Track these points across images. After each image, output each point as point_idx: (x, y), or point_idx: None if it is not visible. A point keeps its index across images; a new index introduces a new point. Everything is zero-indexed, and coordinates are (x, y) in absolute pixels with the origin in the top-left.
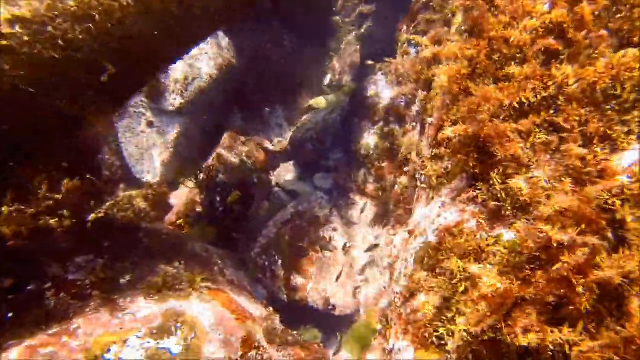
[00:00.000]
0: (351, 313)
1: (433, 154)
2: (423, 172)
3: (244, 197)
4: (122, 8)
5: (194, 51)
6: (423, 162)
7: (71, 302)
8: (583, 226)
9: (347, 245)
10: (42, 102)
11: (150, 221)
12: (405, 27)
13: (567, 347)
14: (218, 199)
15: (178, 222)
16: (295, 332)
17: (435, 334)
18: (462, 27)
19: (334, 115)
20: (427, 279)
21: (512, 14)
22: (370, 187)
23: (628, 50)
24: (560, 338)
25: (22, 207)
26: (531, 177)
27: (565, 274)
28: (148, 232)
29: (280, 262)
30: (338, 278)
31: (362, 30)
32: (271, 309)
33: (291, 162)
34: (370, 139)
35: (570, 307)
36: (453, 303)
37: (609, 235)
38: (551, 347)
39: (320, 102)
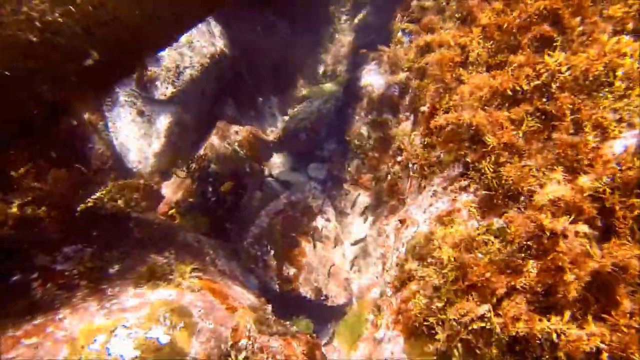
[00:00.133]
0: (343, 303)
1: (425, 142)
2: (415, 161)
3: (236, 187)
4: None
5: (185, 39)
6: (415, 151)
7: (57, 293)
8: (573, 215)
9: (340, 235)
10: (22, 88)
11: (141, 211)
12: (399, 16)
13: (554, 335)
14: (210, 188)
15: (170, 212)
16: (287, 322)
17: (425, 323)
18: (456, 15)
19: (328, 105)
20: (418, 269)
21: (506, 0)
22: (364, 177)
23: (621, 37)
24: (548, 327)
25: (7, 197)
26: (523, 166)
27: (560, 264)
28: (139, 222)
29: (272, 252)
30: (330, 269)
31: (357, 20)
32: (263, 299)
33: (285, 152)
34: (363, 129)
35: (559, 296)
36: (443, 292)
37: (598, 223)
38: (539, 335)
39: (314, 91)
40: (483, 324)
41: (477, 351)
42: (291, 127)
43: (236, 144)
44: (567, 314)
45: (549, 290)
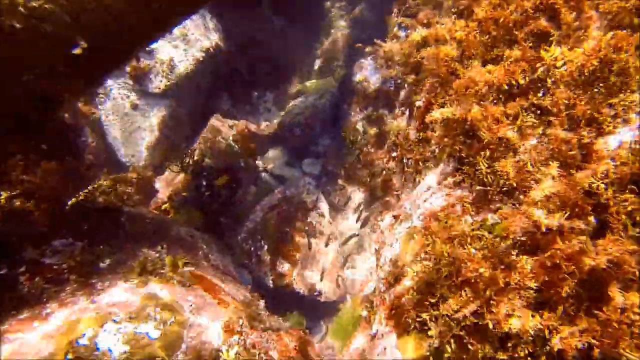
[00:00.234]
0: (337, 299)
1: (420, 137)
2: (410, 156)
3: (230, 181)
4: None
5: (180, 32)
6: (410, 145)
7: (45, 287)
8: (568, 210)
9: (335, 231)
10: (7, 77)
11: (133, 205)
12: (396, 11)
13: (546, 331)
14: (204, 183)
15: (163, 206)
16: (280, 318)
17: (419, 319)
18: (452, 9)
19: (323, 101)
20: (411, 264)
21: None
22: (359, 173)
23: (616, 32)
24: (541, 323)
25: None
26: (517, 161)
27: (558, 261)
28: (131, 216)
29: (266, 247)
30: (324, 265)
31: (353, 15)
32: (256, 294)
33: (279, 147)
34: (359, 124)
35: (551, 292)
36: (437, 288)
37: (592, 219)
38: (531, 331)
39: (309, 86)
40: (476, 320)
41: (470, 347)
42: (286, 122)
43: (231, 138)
44: (560, 310)
45: (542, 286)
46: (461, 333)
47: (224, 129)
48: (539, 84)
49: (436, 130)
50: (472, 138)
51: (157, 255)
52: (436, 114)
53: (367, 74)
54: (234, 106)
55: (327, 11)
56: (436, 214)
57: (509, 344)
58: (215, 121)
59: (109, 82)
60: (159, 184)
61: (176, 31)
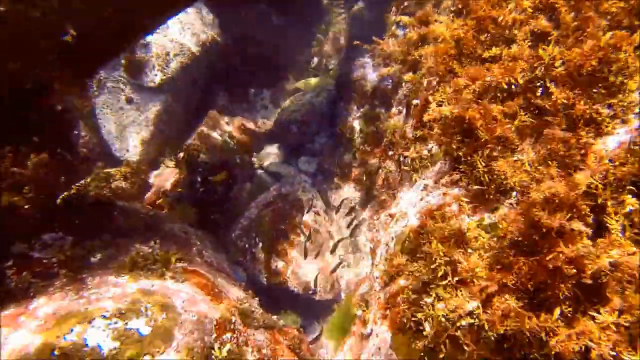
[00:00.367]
0: (331, 298)
1: (417, 136)
2: (407, 154)
3: (228, 177)
4: None
5: (176, 25)
6: (407, 144)
7: (33, 281)
8: (565, 211)
9: (330, 229)
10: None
11: (127, 200)
12: (394, 9)
13: (543, 333)
14: (199, 179)
15: (157, 201)
16: (274, 316)
17: (413, 319)
18: (451, 8)
19: (320, 98)
20: (407, 263)
21: None
22: (355, 172)
23: (615, 32)
24: (537, 324)
25: None
26: (515, 161)
27: (560, 264)
28: (124, 211)
29: (260, 244)
30: (319, 264)
31: (351, 13)
32: (250, 291)
33: (276, 144)
34: (355, 123)
35: (549, 293)
36: (432, 288)
37: (590, 220)
38: (528, 333)
39: (306, 84)
40: (471, 321)
41: (465, 348)
42: (282, 119)
43: (227, 134)
44: (557, 312)
45: (539, 288)
46: (456, 334)
47: (220, 125)
48: (538, 84)
49: (433, 128)
50: (469, 137)
51: (150, 250)
52: (434, 112)
53: (365, 72)
54: (230, 102)
55: (326, 9)
56: (432, 212)
57: (505, 346)
58: (211, 117)
59: (103, 74)
60: (153, 179)
61: (172, 24)
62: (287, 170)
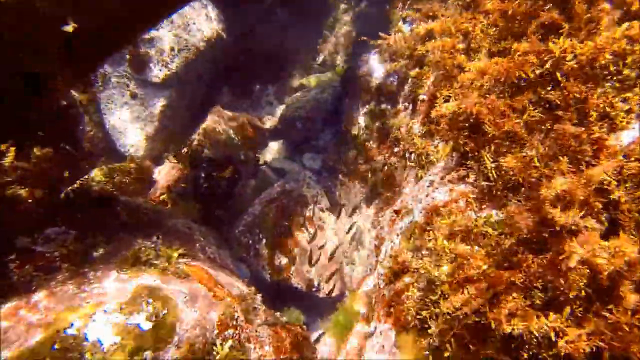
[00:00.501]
0: (335, 295)
1: (424, 131)
2: (413, 150)
3: (234, 173)
4: None
5: (181, 20)
6: (413, 140)
7: (35, 274)
8: (576, 208)
9: (334, 226)
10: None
11: (130, 195)
12: (400, 5)
13: (552, 333)
14: (203, 174)
15: (161, 197)
16: (277, 313)
17: (418, 317)
18: (459, 2)
19: (325, 95)
20: (412, 260)
21: None
22: (360, 168)
23: (633, 23)
24: (546, 324)
25: None
26: (524, 156)
27: (573, 265)
28: (127, 206)
29: (264, 241)
30: (323, 261)
31: (357, 10)
32: (253, 288)
33: (280, 141)
34: (361, 119)
35: (558, 292)
36: (438, 285)
37: (603, 218)
38: (536, 333)
39: (311, 80)
40: (478, 319)
41: (471, 347)
42: (287, 115)
43: (231, 130)
44: (567, 311)
45: (548, 287)
46: (462, 332)
47: (225, 120)
48: (548, 78)
49: (440, 123)
50: (477, 132)
51: (153, 245)
52: (442, 108)
53: (370, 69)
54: (235, 98)
55: (331, 5)
56: (438, 209)
57: (513, 345)
58: (215, 112)
59: (108, 69)
60: (157, 174)
61: (177, 20)
62: (291, 166)
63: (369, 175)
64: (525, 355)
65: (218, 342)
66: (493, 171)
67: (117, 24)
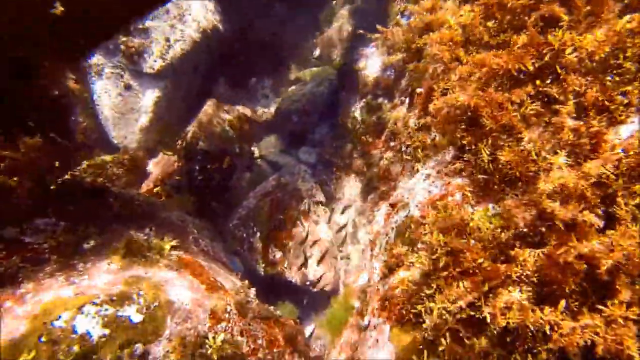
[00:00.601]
0: (330, 290)
1: (420, 124)
2: (409, 144)
3: (230, 164)
4: None
5: (176, 11)
6: (409, 133)
7: (21, 266)
8: (575, 202)
9: (329, 220)
10: None
11: (123, 187)
12: None
13: (547, 327)
14: (197, 167)
15: (155, 189)
16: (270, 307)
17: (413, 310)
18: None
19: (322, 88)
20: (407, 254)
21: None
22: (356, 162)
23: (634, 16)
24: (541, 318)
25: None
26: (522, 150)
27: (570, 259)
28: (119, 197)
29: (258, 234)
30: (317, 255)
31: (355, 4)
32: (246, 281)
33: (276, 134)
34: (357, 113)
35: (554, 286)
36: (433, 279)
37: (599, 211)
38: (531, 327)
39: (308, 74)
40: (473, 313)
41: (466, 341)
42: (283, 108)
43: (226, 123)
44: (562, 305)
45: (544, 280)
46: (457, 326)
47: (220, 113)
48: (547, 71)
49: (437, 116)
50: (474, 125)
51: (145, 237)
52: (440, 101)
53: (367, 62)
54: (231, 91)
55: None
56: (434, 202)
57: (508, 339)
58: (210, 105)
59: (102, 60)
60: (151, 167)
61: (173, 10)
62: (286, 160)
63: (365, 169)
64: (521, 349)
65: (210, 335)
66: (490, 164)
67: (107, 9)
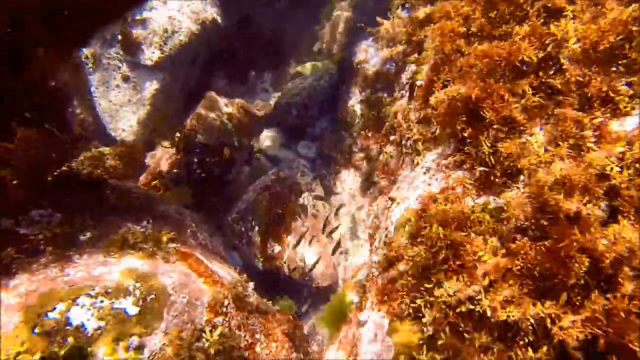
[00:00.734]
0: (328, 285)
1: (421, 116)
2: (409, 137)
3: (223, 160)
4: None
5: (175, 2)
6: (409, 126)
7: (16, 257)
8: (578, 194)
9: (328, 214)
10: None
11: (120, 179)
12: None
13: (548, 320)
14: (195, 160)
15: (153, 182)
16: (269, 301)
17: (412, 305)
18: None
19: (322, 82)
20: (407, 247)
21: None
22: (355, 157)
23: (638, 5)
24: (542, 311)
25: None
26: (523, 142)
27: (573, 253)
28: (116, 190)
29: (257, 228)
30: (316, 249)
31: None
32: (245, 275)
33: (275, 128)
34: (357, 107)
35: (556, 280)
36: (433, 273)
37: (603, 205)
38: (532, 320)
39: (308, 68)
40: (473, 307)
41: (466, 335)
42: (283, 102)
43: (225, 116)
44: (563, 298)
45: (546, 274)
46: (457, 320)
47: (219, 106)
48: (550, 62)
49: (437, 108)
50: (475, 117)
51: (142, 229)
52: (441, 93)
53: (367, 56)
54: (230, 84)
55: None
56: (434, 195)
57: (509, 334)
58: (209, 98)
59: (99, 51)
60: (149, 159)
61: (171, 1)
62: (286, 154)
63: (364, 163)
64: (521, 343)
65: (207, 329)
66: (491, 157)
67: None
